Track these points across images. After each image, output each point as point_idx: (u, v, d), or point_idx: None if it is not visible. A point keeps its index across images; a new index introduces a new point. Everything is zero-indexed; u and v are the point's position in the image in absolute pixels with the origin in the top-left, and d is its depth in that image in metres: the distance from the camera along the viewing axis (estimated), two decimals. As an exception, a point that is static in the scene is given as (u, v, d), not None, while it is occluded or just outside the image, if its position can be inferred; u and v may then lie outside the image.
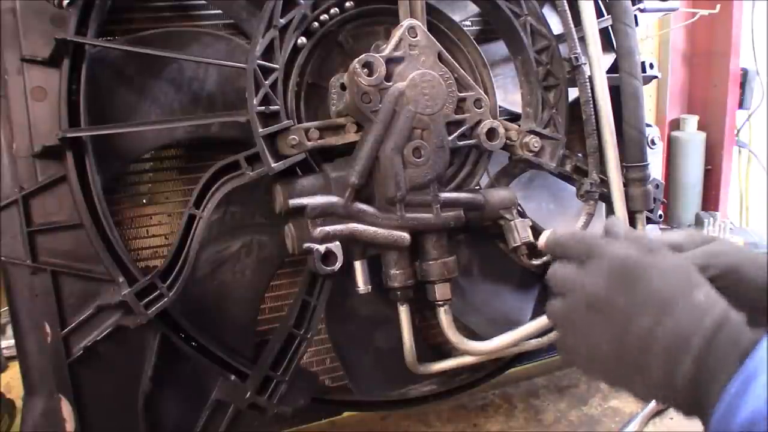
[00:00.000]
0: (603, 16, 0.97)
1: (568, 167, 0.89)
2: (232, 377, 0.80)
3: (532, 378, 1.11)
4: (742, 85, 1.83)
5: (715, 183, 1.92)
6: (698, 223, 1.75)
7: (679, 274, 0.51)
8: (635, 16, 1.00)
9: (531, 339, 0.88)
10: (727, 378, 0.44)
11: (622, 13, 0.93)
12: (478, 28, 0.99)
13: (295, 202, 0.74)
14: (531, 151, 0.87)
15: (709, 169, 1.89)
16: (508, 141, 0.86)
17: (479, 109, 0.82)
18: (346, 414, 0.98)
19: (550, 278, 0.56)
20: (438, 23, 0.87)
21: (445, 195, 0.81)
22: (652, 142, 1.03)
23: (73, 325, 0.76)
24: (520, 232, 0.85)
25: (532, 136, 0.87)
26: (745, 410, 0.42)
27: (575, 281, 0.54)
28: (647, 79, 1.04)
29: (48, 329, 0.75)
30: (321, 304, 0.81)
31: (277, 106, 0.75)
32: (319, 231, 0.74)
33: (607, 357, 0.51)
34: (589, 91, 0.88)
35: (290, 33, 0.76)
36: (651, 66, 1.05)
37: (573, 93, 0.89)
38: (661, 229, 1.24)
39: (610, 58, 0.97)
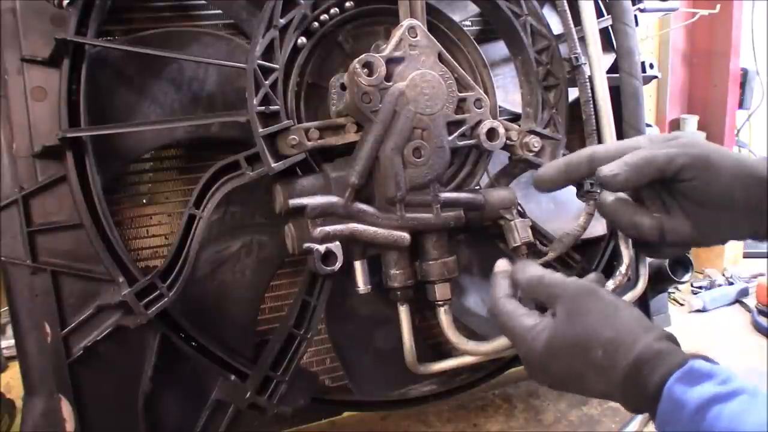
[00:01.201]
0: (603, 16, 0.97)
1: (568, 167, 0.89)
2: (232, 377, 0.80)
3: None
4: (742, 85, 1.83)
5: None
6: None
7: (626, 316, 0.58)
8: (635, 16, 1.00)
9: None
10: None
11: (622, 13, 0.93)
12: (478, 28, 0.99)
13: (295, 202, 0.74)
14: (531, 151, 0.87)
15: (709, 169, 1.88)
16: (508, 141, 0.85)
17: (479, 109, 0.82)
18: (346, 414, 0.97)
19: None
20: (438, 23, 0.87)
21: (445, 195, 0.81)
22: (652, 142, 1.02)
23: (73, 325, 0.76)
24: (520, 232, 0.85)
25: (532, 136, 0.87)
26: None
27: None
28: (647, 79, 1.04)
29: (48, 329, 0.75)
30: (321, 304, 0.81)
31: (277, 106, 0.75)
32: (319, 231, 0.74)
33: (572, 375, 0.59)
34: (589, 91, 0.88)
35: (290, 33, 0.76)
36: (651, 66, 1.05)
37: (573, 93, 0.89)
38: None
39: (610, 58, 0.97)
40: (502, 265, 0.72)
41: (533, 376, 0.64)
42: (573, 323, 0.58)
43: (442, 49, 0.80)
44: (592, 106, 0.87)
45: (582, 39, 0.88)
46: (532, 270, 0.67)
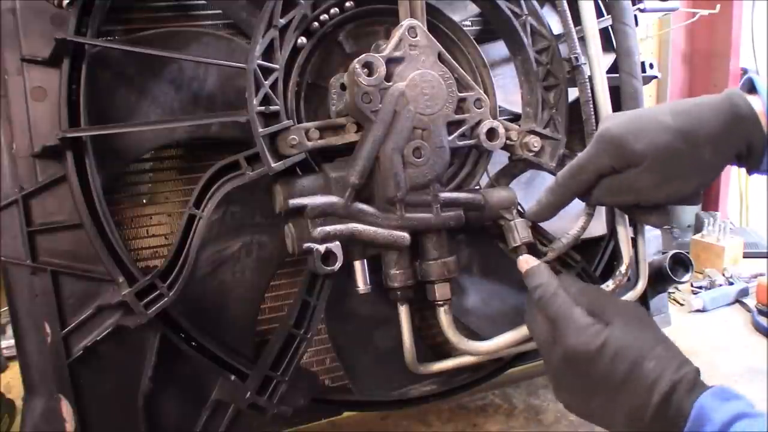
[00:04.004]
0: (603, 16, 0.97)
1: (568, 167, 0.89)
2: (232, 377, 0.80)
3: (532, 378, 1.11)
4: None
5: (715, 183, 1.91)
6: (698, 223, 1.75)
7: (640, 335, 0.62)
8: (635, 16, 1.00)
9: (531, 339, 0.87)
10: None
11: (622, 13, 0.93)
12: (478, 28, 0.99)
13: (295, 202, 0.74)
14: (531, 151, 0.87)
15: (709, 169, 1.88)
16: (508, 141, 0.86)
17: (479, 109, 0.82)
18: (346, 414, 0.97)
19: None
20: (438, 23, 0.87)
21: (445, 195, 0.81)
22: (652, 142, 1.02)
23: (73, 325, 0.76)
24: (520, 232, 0.85)
25: (532, 136, 0.87)
26: None
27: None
28: (647, 79, 1.04)
29: (48, 329, 0.75)
30: (321, 304, 0.81)
31: (277, 106, 0.75)
32: (319, 231, 0.74)
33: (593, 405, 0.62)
34: (589, 91, 0.87)
35: (290, 33, 0.76)
36: (651, 66, 1.05)
37: (573, 93, 0.89)
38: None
39: (610, 58, 0.97)
40: (532, 261, 0.76)
41: (559, 375, 0.66)
42: (631, 333, 0.62)
43: (442, 49, 0.80)
44: (592, 106, 0.87)
45: (582, 39, 0.88)
46: (583, 283, 0.74)
